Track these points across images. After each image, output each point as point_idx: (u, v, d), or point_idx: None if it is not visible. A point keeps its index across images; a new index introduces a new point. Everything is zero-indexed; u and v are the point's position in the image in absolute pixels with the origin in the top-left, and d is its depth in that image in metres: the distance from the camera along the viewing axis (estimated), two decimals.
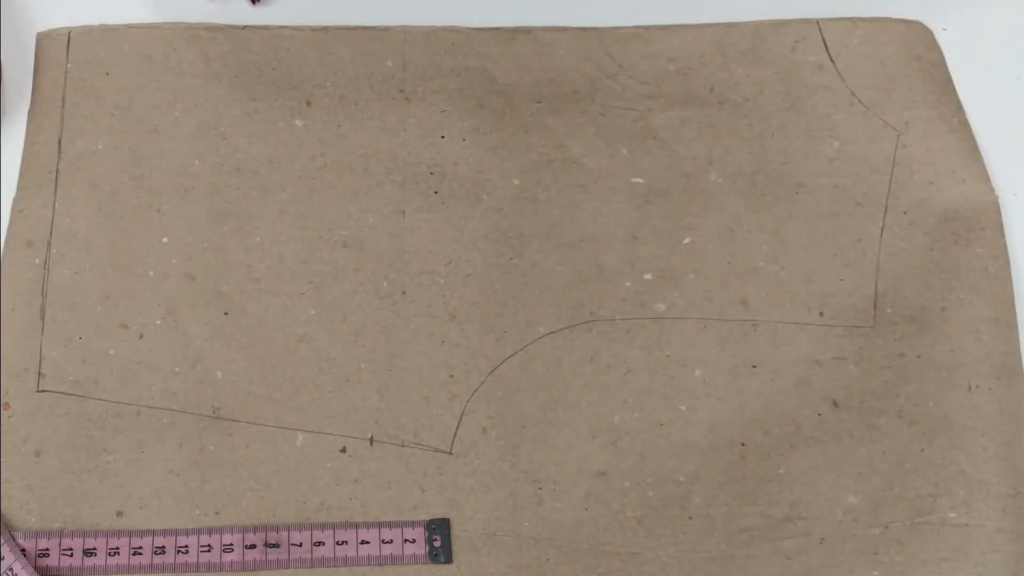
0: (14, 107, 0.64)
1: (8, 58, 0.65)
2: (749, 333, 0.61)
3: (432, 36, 0.66)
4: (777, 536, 0.57)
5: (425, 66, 0.66)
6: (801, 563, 0.56)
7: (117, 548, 0.54)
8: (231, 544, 0.54)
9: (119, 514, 0.55)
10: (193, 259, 0.60)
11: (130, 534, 0.54)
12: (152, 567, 0.54)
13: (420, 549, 0.55)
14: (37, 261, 0.59)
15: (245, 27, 0.65)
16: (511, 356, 0.60)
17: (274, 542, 0.54)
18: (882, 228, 0.64)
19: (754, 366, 0.60)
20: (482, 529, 0.56)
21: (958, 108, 0.67)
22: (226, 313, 0.59)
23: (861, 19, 0.69)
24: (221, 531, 0.55)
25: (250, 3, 0.65)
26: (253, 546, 0.54)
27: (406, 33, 0.66)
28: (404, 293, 0.60)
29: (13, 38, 0.65)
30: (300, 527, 0.55)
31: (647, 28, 0.68)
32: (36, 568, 0.53)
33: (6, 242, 0.60)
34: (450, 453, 0.58)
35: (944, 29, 0.69)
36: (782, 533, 0.57)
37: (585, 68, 0.66)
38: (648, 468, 0.58)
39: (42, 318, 0.58)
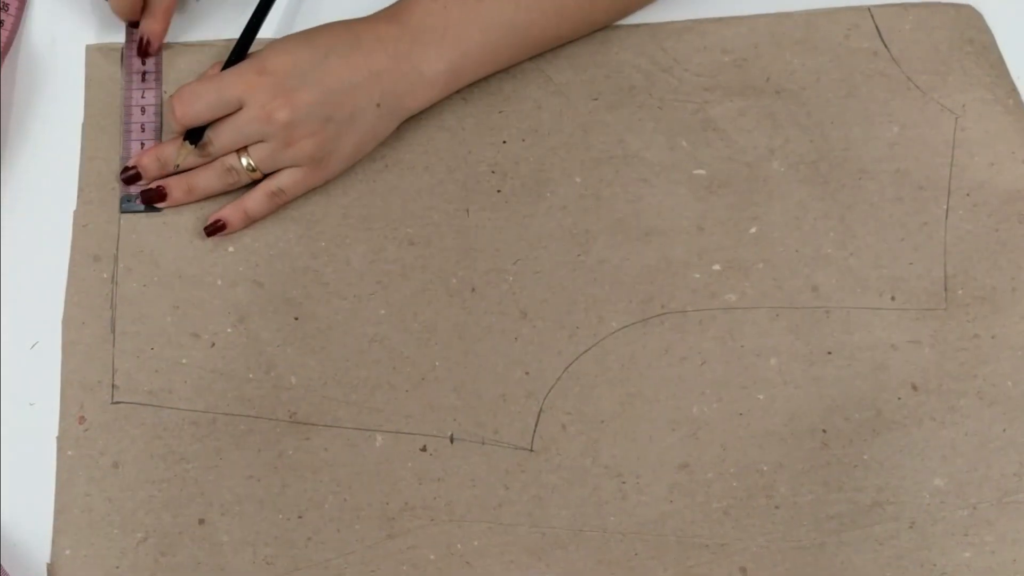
0: (60, 119, 0.63)
1: (53, 71, 0.64)
2: (822, 320, 0.60)
3: None
4: (867, 522, 0.56)
5: None
6: (893, 548, 0.55)
7: None
8: None
9: (201, 522, 0.54)
10: (260, 266, 0.60)
11: None
12: None
13: None
14: (105, 276, 0.59)
15: None
16: (585, 352, 0.59)
17: None
18: (947, 211, 0.63)
19: (829, 353, 0.60)
20: (568, 525, 0.55)
21: (1012, 89, 0.67)
22: (296, 318, 0.59)
23: (912, 4, 0.69)
24: None
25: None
26: None
27: None
28: (474, 290, 0.60)
29: (57, 48, 0.65)
30: None
31: (699, 21, 0.68)
32: None
33: (72, 257, 0.59)
34: (531, 450, 0.57)
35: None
36: (872, 519, 0.56)
37: (640, 63, 0.66)
38: (730, 458, 0.57)
39: (112, 331, 0.58)
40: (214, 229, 0.59)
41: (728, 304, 0.60)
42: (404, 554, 0.54)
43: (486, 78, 0.64)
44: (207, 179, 0.59)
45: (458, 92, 0.64)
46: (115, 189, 0.61)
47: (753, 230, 0.62)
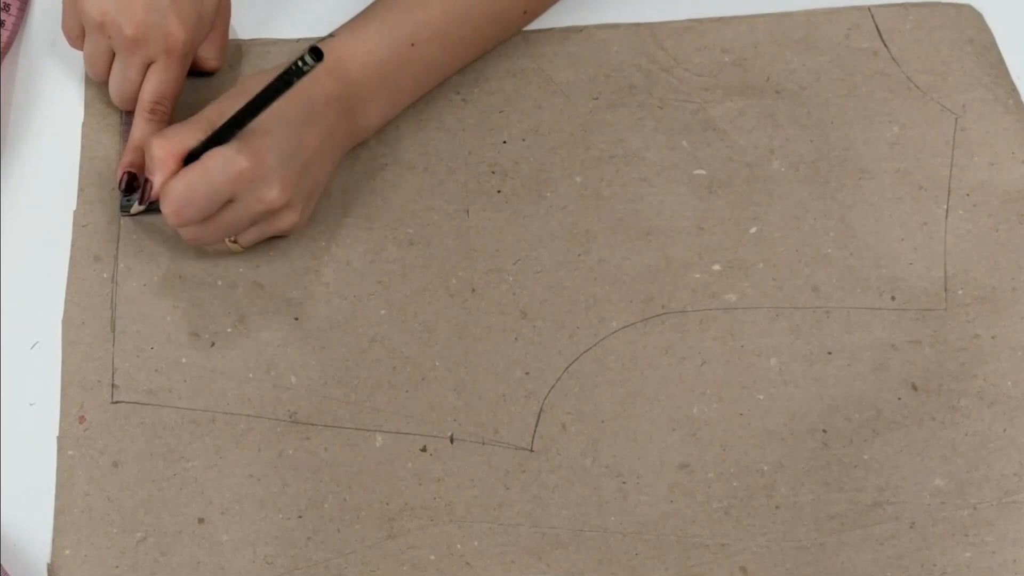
0: (60, 119, 0.63)
1: (53, 71, 0.64)
2: (822, 320, 0.60)
3: None
4: (867, 522, 0.56)
5: (479, 68, 0.65)
6: (893, 548, 0.55)
7: None
8: None
9: (201, 521, 0.54)
10: (260, 267, 0.59)
11: None
12: None
13: None
14: (105, 275, 0.59)
15: (299, 40, 0.65)
16: (585, 352, 0.59)
17: None
18: (947, 211, 0.63)
19: (830, 353, 0.59)
20: (568, 525, 0.55)
21: (1012, 89, 0.67)
22: (296, 319, 0.58)
23: (912, 4, 0.69)
24: None
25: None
26: None
27: None
28: (474, 291, 0.60)
29: (57, 48, 0.65)
30: None
31: (699, 21, 0.68)
32: None
33: (72, 257, 0.59)
34: (531, 450, 0.57)
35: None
36: (872, 519, 0.56)
37: (640, 63, 0.66)
38: (731, 458, 0.57)
39: (112, 330, 0.57)
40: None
41: (728, 304, 0.60)
42: (404, 554, 0.54)
43: (487, 78, 0.65)
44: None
45: (458, 93, 0.65)
46: (115, 189, 0.61)
47: (753, 230, 0.62)
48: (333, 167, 0.60)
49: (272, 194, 0.55)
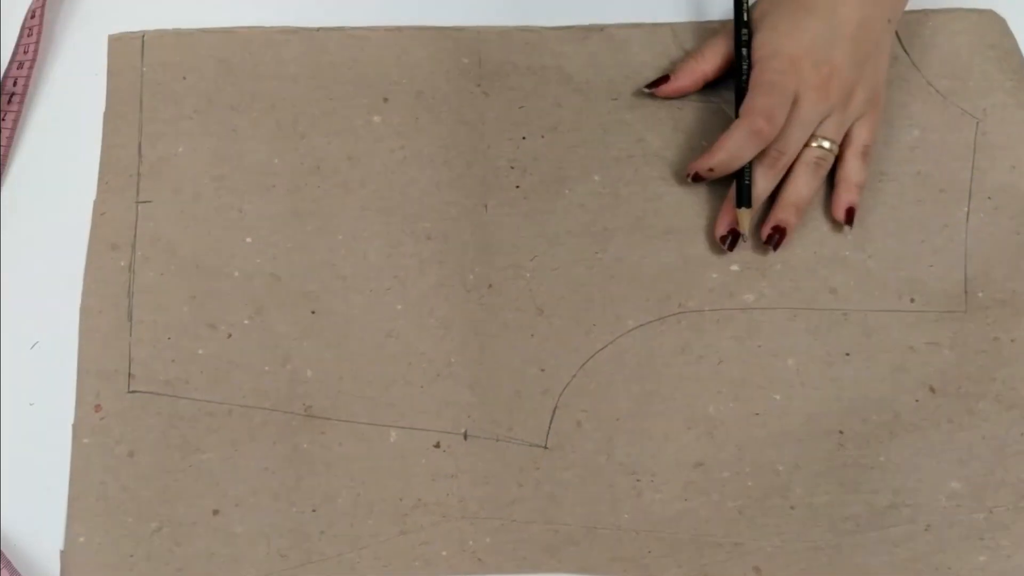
0: (84, 110, 0.63)
1: (75, 59, 0.64)
2: (840, 321, 0.60)
3: (506, 36, 0.66)
4: (883, 524, 0.56)
5: (501, 63, 0.65)
6: (909, 550, 0.55)
7: None
8: None
9: (215, 512, 0.54)
10: (278, 259, 0.60)
11: None
12: None
13: None
14: (122, 264, 0.59)
15: (319, 29, 0.65)
16: (601, 349, 0.59)
17: None
18: (967, 214, 0.63)
19: (847, 354, 0.59)
20: (582, 523, 0.55)
21: None
22: (313, 312, 0.58)
23: (932, 10, 0.68)
24: None
25: None
26: None
27: (479, 33, 0.66)
28: (490, 286, 0.60)
29: (81, 39, 0.65)
30: None
31: (719, 22, 0.67)
32: None
33: (90, 245, 0.59)
34: (545, 447, 0.57)
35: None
36: (887, 521, 0.56)
37: (660, 63, 0.66)
38: (746, 458, 0.57)
39: (129, 320, 0.58)
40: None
41: (746, 304, 0.60)
42: (416, 550, 0.54)
43: (507, 73, 0.65)
44: (804, 187, 0.60)
45: (478, 86, 0.64)
46: (133, 177, 0.61)
47: None
48: (890, 31, 0.60)
49: (823, 77, 0.57)
